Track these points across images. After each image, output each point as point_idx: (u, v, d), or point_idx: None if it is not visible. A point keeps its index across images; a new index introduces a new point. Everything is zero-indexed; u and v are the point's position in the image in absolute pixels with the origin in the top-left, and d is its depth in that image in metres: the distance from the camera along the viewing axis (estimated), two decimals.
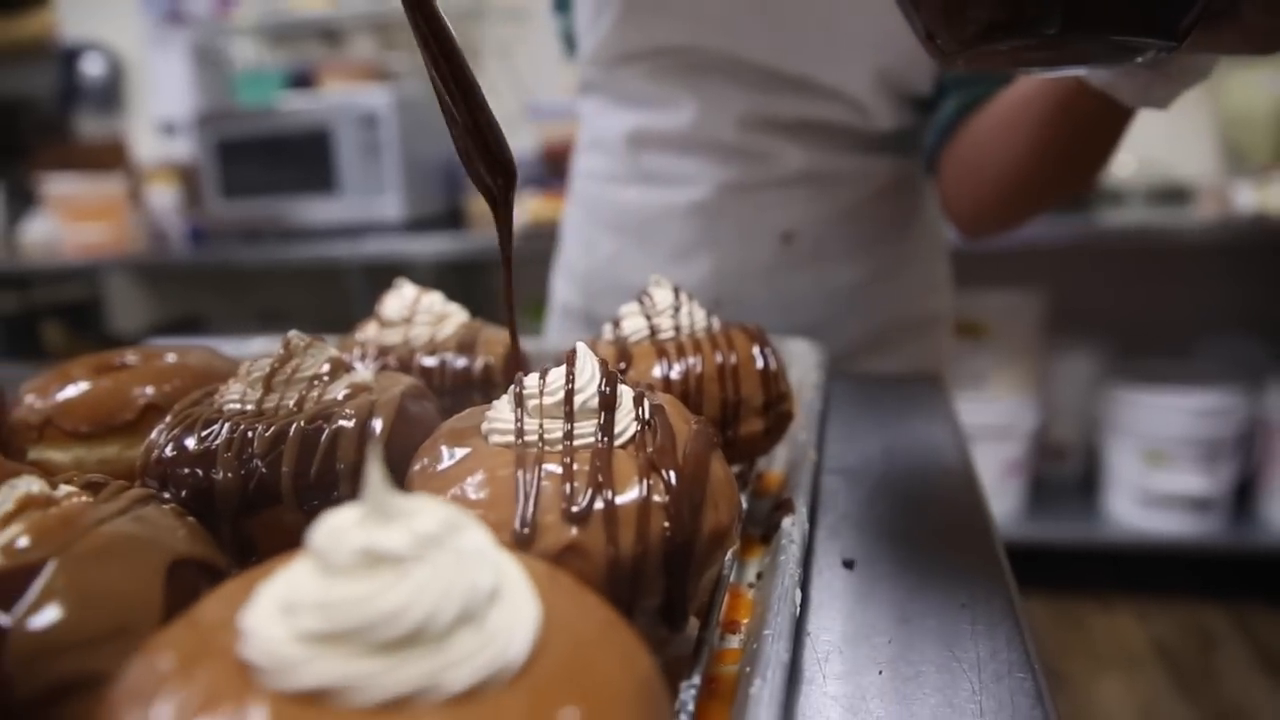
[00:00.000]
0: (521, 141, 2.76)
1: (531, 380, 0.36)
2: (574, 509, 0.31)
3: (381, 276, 2.79)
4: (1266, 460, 2.23)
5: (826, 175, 0.91)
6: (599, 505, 0.31)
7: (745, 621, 0.42)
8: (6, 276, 3.02)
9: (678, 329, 0.52)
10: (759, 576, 0.46)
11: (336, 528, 0.21)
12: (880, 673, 0.39)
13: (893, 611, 0.44)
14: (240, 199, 2.73)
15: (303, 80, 2.86)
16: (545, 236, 2.09)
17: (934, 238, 1.00)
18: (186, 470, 0.41)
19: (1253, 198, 2.05)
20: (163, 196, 2.82)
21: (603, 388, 0.35)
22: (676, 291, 0.54)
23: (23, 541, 0.29)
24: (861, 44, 0.83)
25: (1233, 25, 0.40)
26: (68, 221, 2.76)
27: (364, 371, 0.47)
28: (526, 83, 2.78)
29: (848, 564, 0.49)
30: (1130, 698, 1.96)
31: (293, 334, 0.46)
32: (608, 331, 0.54)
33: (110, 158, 3.05)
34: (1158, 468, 2.21)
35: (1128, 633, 2.19)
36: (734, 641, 0.41)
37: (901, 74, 0.84)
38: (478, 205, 2.60)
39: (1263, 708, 1.90)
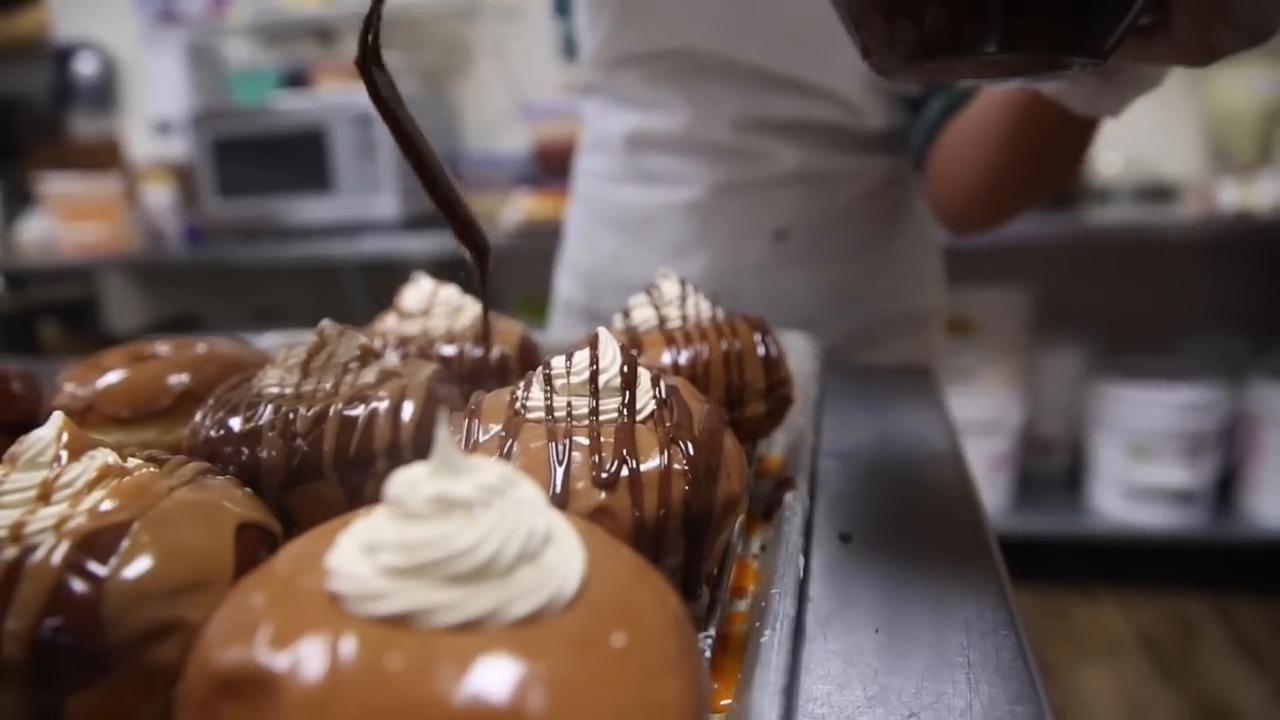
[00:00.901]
0: (515, 141, 2.79)
1: (558, 362, 0.39)
2: (603, 475, 0.34)
3: (377, 275, 2.80)
4: (1248, 453, 2.27)
5: (818, 175, 0.94)
6: (625, 472, 0.35)
7: (751, 588, 0.46)
8: (3, 275, 3.03)
9: (684, 318, 0.56)
10: (763, 548, 0.49)
11: (411, 480, 0.25)
12: (876, 631, 0.42)
13: (887, 580, 0.48)
14: (236, 198, 2.75)
15: (297, 80, 2.88)
16: (540, 234, 2.13)
17: (925, 235, 1.03)
18: (232, 449, 0.44)
19: (1236, 195, 2.09)
20: (158, 196, 2.84)
21: (624, 369, 0.38)
22: (683, 283, 0.57)
23: (106, 505, 0.32)
24: (851, 45, 0.86)
25: (1165, 39, 0.41)
26: (65, 221, 2.77)
27: (392, 358, 0.51)
28: (520, 82, 2.81)
29: (844, 538, 0.53)
30: (1115, 686, 2.00)
31: (325, 323, 0.49)
32: (618, 321, 0.57)
33: (105, 157, 3.06)
34: (1142, 461, 2.26)
35: (1112, 622, 2.23)
36: (741, 606, 0.44)
37: None
38: (472, 203, 2.62)
39: (1243, 694, 1.94)
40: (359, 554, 0.24)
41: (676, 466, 0.35)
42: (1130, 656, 2.10)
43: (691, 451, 0.36)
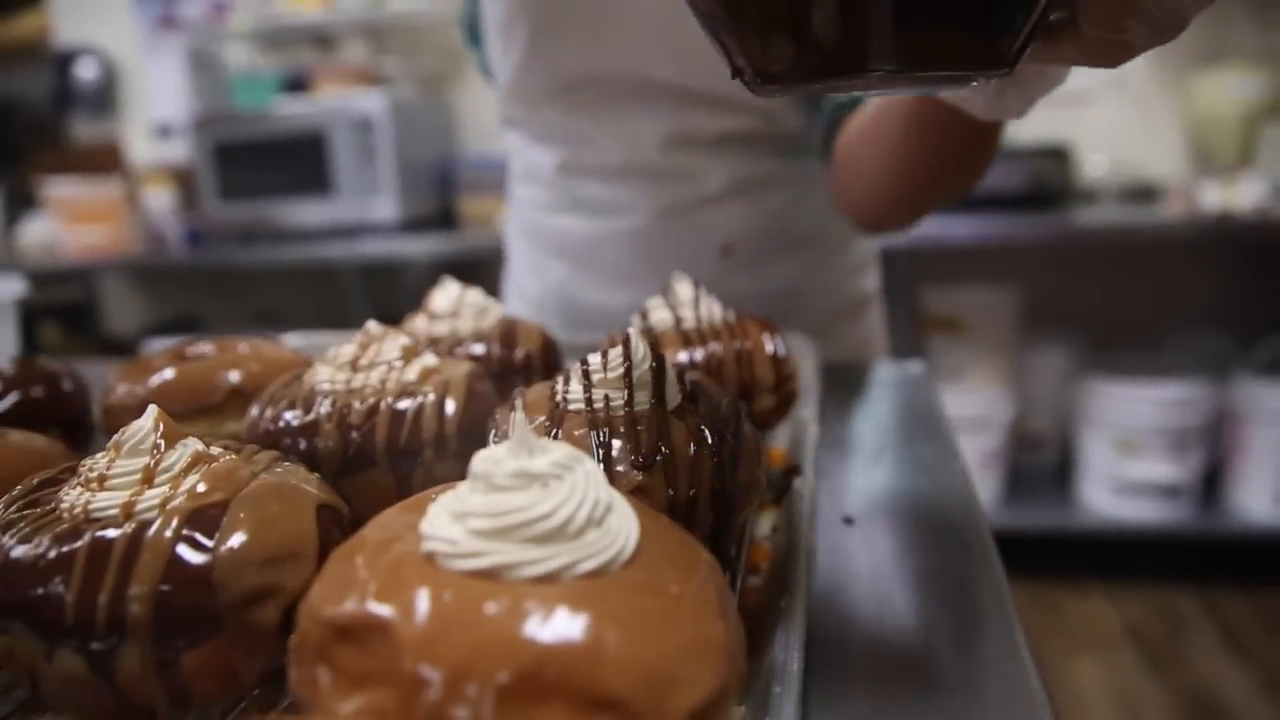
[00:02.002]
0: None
1: (595, 359, 0.43)
2: (639, 459, 0.39)
3: (377, 277, 2.82)
4: (1233, 449, 2.32)
5: (753, 183, 0.94)
6: (659, 456, 0.39)
7: (764, 565, 0.50)
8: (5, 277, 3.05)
9: (699, 319, 0.60)
10: (774, 530, 0.54)
11: (494, 458, 0.29)
12: (879, 602, 0.47)
13: (889, 558, 0.52)
14: (237, 201, 2.78)
15: (297, 84, 2.91)
16: None
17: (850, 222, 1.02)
18: (291, 439, 0.48)
19: (1218, 196, 2.13)
20: (159, 199, 2.87)
21: (653, 365, 0.43)
22: (696, 285, 0.62)
23: (202, 487, 0.36)
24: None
25: (1072, 39, 0.38)
26: (66, 224, 2.80)
27: (430, 356, 0.55)
28: None
29: (848, 520, 0.57)
30: (1104, 677, 2.05)
31: (371, 324, 0.54)
32: (637, 322, 0.62)
33: (106, 160, 3.09)
34: (1129, 457, 2.30)
35: (1101, 615, 2.28)
36: (755, 581, 0.49)
37: None
38: (469, 206, 2.67)
39: (1230, 685, 1.99)
40: (450, 521, 0.29)
41: (705, 451, 0.40)
42: (1119, 648, 2.14)
43: (717, 438, 0.41)
